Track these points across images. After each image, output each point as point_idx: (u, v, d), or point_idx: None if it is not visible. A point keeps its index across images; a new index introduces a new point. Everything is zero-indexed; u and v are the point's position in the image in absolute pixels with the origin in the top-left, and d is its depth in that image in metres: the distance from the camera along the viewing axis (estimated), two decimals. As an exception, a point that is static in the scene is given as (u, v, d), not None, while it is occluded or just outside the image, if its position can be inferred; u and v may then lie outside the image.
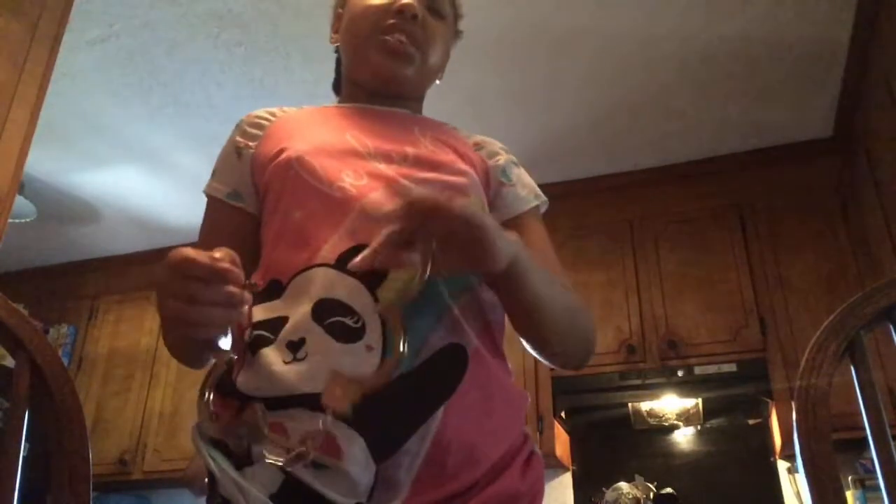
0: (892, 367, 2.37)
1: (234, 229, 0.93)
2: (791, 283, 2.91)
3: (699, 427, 3.08)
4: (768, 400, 2.81)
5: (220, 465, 0.75)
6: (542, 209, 1.02)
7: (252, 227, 0.94)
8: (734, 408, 3.04)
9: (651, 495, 2.82)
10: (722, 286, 2.99)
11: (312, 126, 0.97)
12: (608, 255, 3.19)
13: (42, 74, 1.84)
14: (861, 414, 0.88)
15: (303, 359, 0.76)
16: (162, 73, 2.76)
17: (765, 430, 2.99)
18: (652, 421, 3.10)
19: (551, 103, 2.92)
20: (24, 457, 0.90)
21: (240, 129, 0.99)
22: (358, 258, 0.76)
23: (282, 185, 0.89)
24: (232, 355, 0.77)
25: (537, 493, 0.82)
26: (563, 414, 3.09)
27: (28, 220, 3.41)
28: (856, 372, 0.90)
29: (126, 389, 3.71)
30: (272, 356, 0.77)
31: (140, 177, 3.43)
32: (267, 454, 0.73)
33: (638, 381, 2.93)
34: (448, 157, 0.95)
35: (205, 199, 0.99)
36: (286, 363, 0.76)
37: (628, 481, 2.88)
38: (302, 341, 0.77)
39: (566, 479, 3.15)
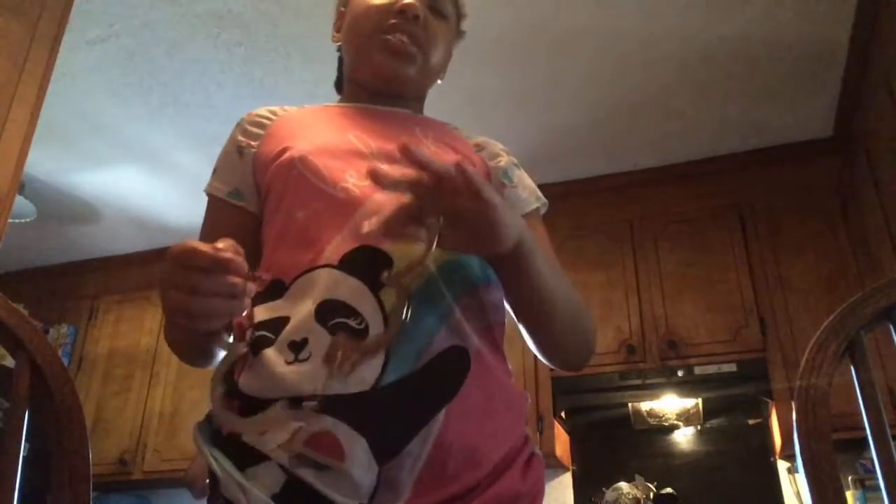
0: (892, 367, 2.37)
1: (235, 228, 0.93)
2: (791, 283, 2.91)
3: (699, 427, 3.08)
4: (768, 400, 2.81)
5: (223, 465, 0.75)
6: (542, 210, 1.02)
7: (253, 226, 0.94)
8: (734, 408, 3.04)
9: (651, 495, 2.82)
10: (722, 286, 2.99)
11: (315, 126, 0.97)
12: (608, 255, 3.19)
13: (42, 74, 1.83)
14: (861, 414, 0.88)
15: (305, 359, 0.76)
16: (162, 73, 2.76)
17: (765, 430, 2.99)
18: (652, 421, 3.11)
19: (551, 103, 2.92)
20: (24, 457, 0.90)
21: (241, 127, 0.98)
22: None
23: (284, 185, 0.89)
24: (244, 348, 0.77)
25: (538, 494, 0.82)
26: (563, 414, 3.09)
27: (28, 220, 3.41)
28: (856, 372, 0.90)
29: (126, 389, 3.71)
30: (274, 357, 0.77)
31: (140, 177, 3.43)
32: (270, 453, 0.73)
33: (638, 381, 2.93)
34: (451, 157, 0.95)
35: (205, 200, 0.99)
36: (288, 363, 0.76)
37: (628, 481, 2.88)
38: (304, 342, 0.77)
39: (566, 479, 3.15)
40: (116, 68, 2.73)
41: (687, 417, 3.07)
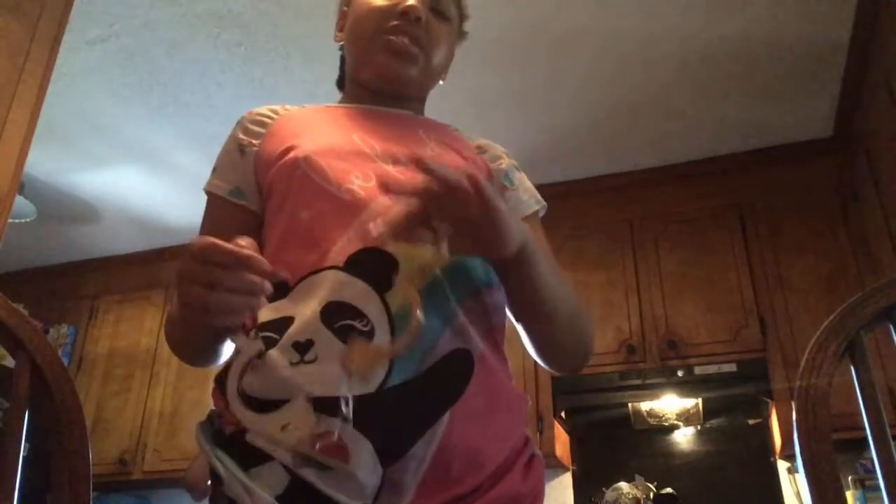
0: (892, 367, 2.37)
1: (236, 227, 0.92)
2: (791, 283, 2.91)
3: (699, 427, 3.08)
4: (768, 400, 2.81)
5: (227, 465, 0.75)
6: (542, 213, 1.03)
7: (255, 224, 0.93)
8: (734, 408, 3.04)
9: (651, 495, 2.82)
10: (722, 286, 2.99)
11: (319, 126, 0.97)
12: (608, 255, 3.19)
13: (42, 74, 1.83)
14: (861, 414, 0.88)
15: (311, 361, 0.76)
16: (162, 73, 2.76)
17: (765, 430, 2.99)
18: (652, 421, 3.11)
19: (551, 103, 2.92)
20: (24, 457, 0.90)
21: (242, 126, 0.98)
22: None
23: (288, 185, 0.88)
24: (261, 345, 0.77)
25: (538, 495, 0.83)
26: (563, 414, 3.09)
27: (28, 220, 3.41)
28: (856, 372, 0.90)
29: (126, 389, 3.71)
30: (278, 358, 0.77)
31: (140, 177, 3.43)
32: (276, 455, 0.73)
33: (638, 381, 2.93)
34: (455, 160, 0.95)
35: (205, 199, 0.98)
36: (293, 364, 0.76)
37: (628, 481, 2.89)
38: (309, 343, 0.76)
39: (566, 479, 3.15)
40: (116, 68, 2.73)
41: (687, 417, 3.07)
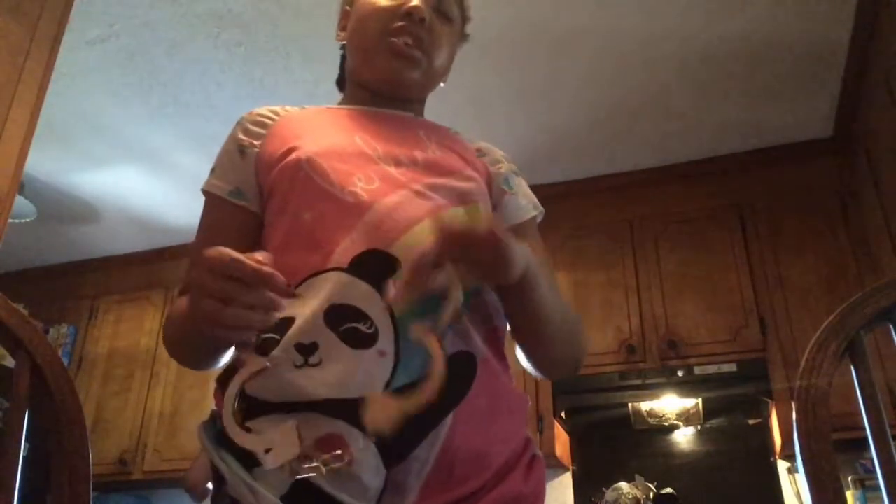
0: (892, 367, 2.37)
1: (237, 228, 0.92)
2: (791, 283, 2.91)
3: (699, 427, 3.08)
4: (768, 400, 2.81)
5: (231, 466, 0.75)
6: (539, 219, 1.03)
7: (254, 225, 0.93)
8: (734, 408, 3.04)
9: (651, 495, 2.82)
10: (722, 286, 2.99)
11: (321, 127, 0.96)
12: (608, 255, 3.19)
13: (42, 74, 1.83)
14: (861, 414, 0.88)
15: (316, 364, 0.76)
16: (162, 73, 2.76)
17: (765, 430, 2.99)
18: (652, 421, 3.11)
19: (551, 103, 2.92)
20: (24, 457, 0.90)
21: (242, 126, 0.98)
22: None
23: (290, 186, 0.88)
24: (266, 363, 0.76)
25: (539, 495, 0.83)
26: (563, 414, 3.09)
27: (28, 220, 3.41)
28: (856, 372, 0.90)
29: (126, 389, 3.71)
30: (281, 360, 0.77)
31: (140, 177, 3.43)
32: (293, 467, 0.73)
33: (638, 381, 2.93)
34: (456, 162, 0.95)
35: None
36: (297, 367, 0.76)
37: (628, 481, 2.88)
38: (314, 346, 0.76)
39: (566, 479, 3.15)
40: (116, 68, 2.73)
41: (687, 417, 3.07)
